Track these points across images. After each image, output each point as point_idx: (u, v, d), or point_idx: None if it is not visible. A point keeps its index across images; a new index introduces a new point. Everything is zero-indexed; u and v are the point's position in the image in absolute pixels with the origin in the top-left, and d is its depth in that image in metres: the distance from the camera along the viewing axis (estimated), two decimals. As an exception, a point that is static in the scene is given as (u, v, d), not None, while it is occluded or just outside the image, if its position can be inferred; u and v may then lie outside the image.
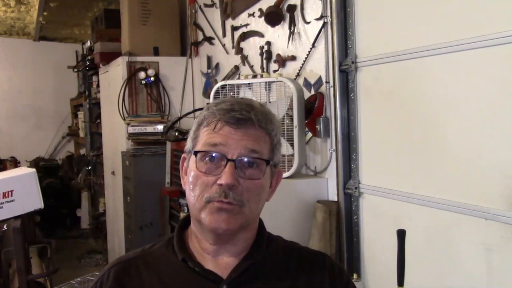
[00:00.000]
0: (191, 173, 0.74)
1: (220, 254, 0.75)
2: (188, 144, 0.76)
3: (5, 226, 1.85)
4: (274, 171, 0.78)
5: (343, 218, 1.64)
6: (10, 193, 1.80)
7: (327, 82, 1.74)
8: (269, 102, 1.79)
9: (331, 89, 1.70)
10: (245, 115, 0.72)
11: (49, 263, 2.11)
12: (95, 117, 4.09)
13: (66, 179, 5.10)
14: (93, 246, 4.37)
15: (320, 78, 1.80)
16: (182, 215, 2.18)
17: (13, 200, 1.80)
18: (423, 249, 1.38)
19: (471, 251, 1.25)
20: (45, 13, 4.28)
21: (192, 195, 0.73)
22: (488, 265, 1.21)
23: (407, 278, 1.19)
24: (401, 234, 1.19)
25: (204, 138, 0.73)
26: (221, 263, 0.75)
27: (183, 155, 0.78)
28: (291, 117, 1.73)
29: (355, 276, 1.54)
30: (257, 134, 0.73)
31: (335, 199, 1.70)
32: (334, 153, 1.72)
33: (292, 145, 1.71)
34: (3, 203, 1.78)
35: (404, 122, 1.45)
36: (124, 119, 2.92)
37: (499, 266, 1.18)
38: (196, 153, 0.73)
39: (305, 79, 1.88)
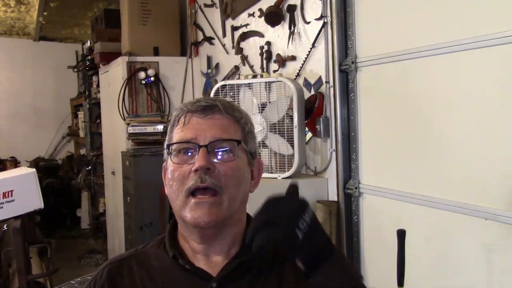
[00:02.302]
0: (169, 170, 0.75)
1: (210, 253, 0.76)
2: (165, 151, 0.77)
3: (5, 226, 1.85)
4: (252, 160, 0.78)
5: (343, 218, 1.64)
6: (10, 193, 1.79)
7: (327, 82, 1.74)
8: (269, 102, 1.79)
9: (331, 89, 1.70)
10: (210, 103, 0.75)
11: (49, 263, 2.11)
12: (95, 117, 4.09)
13: (66, 179, 5.10)
14: (93, 246, 4.36)
15: (320, 78, 1.80)
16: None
17: (13, 200, 1.80)
18: (423, 249, 1.38)
19: (471, 251, 1.25)
20: (45, 13, 4.28)
21: (172, 191, 0.74)
22: (488, 265, 1.21)
23: (407, 278, 1.19)
24: (401, 234, 1.19)
25: (176, 136, 0.75)
26: (212, 261, 0.76)
27: (163, 165, 0.79)
28: (291, 117, 1.73)
29: (355, 276, 1.54)
30: (225, 122, 0.75)
31: (335, 199, 1.70)
32: (334, 153, 1.72)
33: (292, 145, 1.71)
34: (3, 203, 1.77)
35: (404, 122, 1.45)
36: (124, 119, 2.92)
37: (499, 266, 1.18)
38: (169, 146, 0.75)
39: (305, 79, 1.88)
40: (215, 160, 0.72)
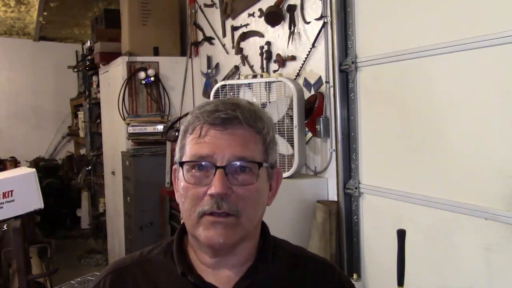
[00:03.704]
0: (181, 185, 0.69)
1: (221, 267, 0.71)
2: (177, 155, 0.72)
3: (5, 226, 1.85)
4: (271, 172, 0.72)
5: (343, 218, 1.64)
6: (10, 193, 1.79)
7: (327, 82, 1.73)
8: (269, 102, 1.79)
9: (331, 89, 1.70)
10: (230, 114, 0.67)
11: (49, 263, 2.11)
12: (95, 117, 4.09)
13: (66, 179, 5.10)
14: (93, 246, 4.36)
15: (320, 78, 1.80)
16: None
17: (13, 200, 1.80)
18: (423, 249, 1.38)
19: (471, 251, 1.25)
20: (45, 13, 4.28)
21: (185, 209, 0.69)
22: (488, 265, 1.21)
23: (407, 278, 1.19)
24: (401, 234, 1.19)
25: (191, 148, 0.68)
26: (223, 276, 0.71)
27: (174, 167, 0.73)
28: (291, 117, 1.73)
29: (355, 276, 1.54)
30: (246, 135, 0.68)
31: (335, 199, 1.70)
32: (334, 153, 1.72)
33: (292, 145, 1.71)
34: (3, 203, 1.77)
35: (404, 122, 1.45)
36: (124, 119, 2.92)
37: (499, 266, 1.18)
38: (182, 164, 0.68)
39: (305, 79, 1.88)
40: (233, 183, 0.66)
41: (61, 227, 4.83)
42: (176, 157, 0.72)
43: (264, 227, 0.76)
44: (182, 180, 0.69)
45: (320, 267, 0.77)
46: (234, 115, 0.67)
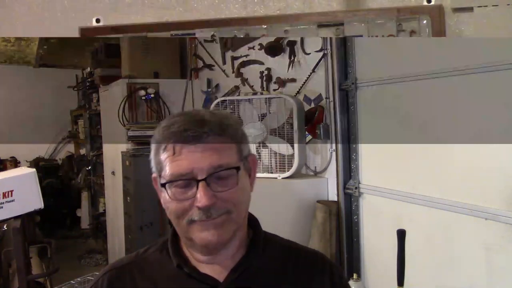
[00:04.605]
0: (166, 198, 0.57)
1: (215, 262, 0.60)
2: (153, 167, 0.59)
3: (5, 226, 1.49)
4: (247, 164, 0.60)
5: (343, 218, 1.38)
6: (10, 193, 1.47)
7: (327, 98, 1.49)
8: (269, 113, 1.52)
9: (331, 103, 1.46)
10: (199, 131, 0.56)
11: (49, 263, 1.69)
12: (95, 124, 3.55)
13: (66, 179, 4.36)
14: (93, 246, 3.68)
15: (320, 95, 1.55)
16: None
17: (13, 200, 1.46)
18: (423, 249, 1.15)
19: (471, 251, 1.04)
20: (45, 47, 3.68)
21: (172, 218, 0.58)
22: (488, 265, 1.01)
23: (407, 278, 0.97)
24: (401, 234, 0.97)
25: (169, 167, 0.56)
26: (216, 267, 0.61)
27: (153, 175, 0.59)
28: (291, 124, 1.46)
29: (355, 276, 1.26)
30: (219, 144, 0.57)
31: (335, 199, 1.43)
32: (334, 153, 1.45)
33: (292, 145, 1.44)
34: (3, 203, 1.44)
35: (404, 121, 1.23)
36: (124, 125, 2.48)
37: (499, 266, 0.99)
38: (163, 185, 0.57)
39: (305, 96, 1.62)
40: (217, 190, 0.56)
41: (61, 227, 4.06)
42: (154, 169, 0.59)
43: (253, 219, 0.65)
44: (165, 195, 0.57)
45: (311, 258, 0.66)
46: (201, 131, 0.56)
